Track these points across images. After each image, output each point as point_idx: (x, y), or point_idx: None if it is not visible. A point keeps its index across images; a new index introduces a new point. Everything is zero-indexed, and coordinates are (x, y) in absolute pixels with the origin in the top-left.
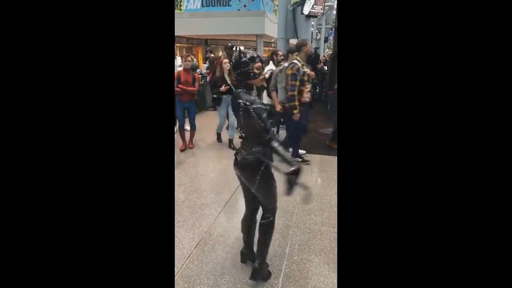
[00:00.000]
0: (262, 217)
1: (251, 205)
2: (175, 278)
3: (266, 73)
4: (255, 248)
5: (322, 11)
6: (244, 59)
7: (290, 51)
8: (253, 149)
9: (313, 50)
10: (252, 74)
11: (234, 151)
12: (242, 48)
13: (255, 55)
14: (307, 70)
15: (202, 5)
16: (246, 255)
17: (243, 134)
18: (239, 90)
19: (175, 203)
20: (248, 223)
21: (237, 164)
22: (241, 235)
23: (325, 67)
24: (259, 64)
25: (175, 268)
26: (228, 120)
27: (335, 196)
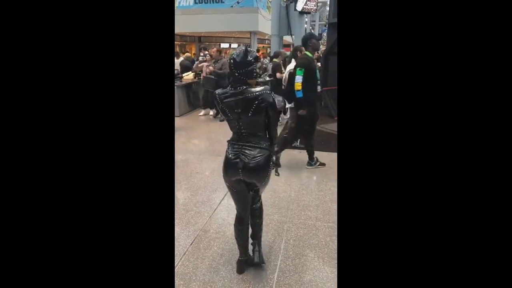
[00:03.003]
0: (255, 203)
1: (247, 205)
2: None
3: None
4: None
5: (316, 7)
6: (250, 58)
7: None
8: (264, 145)
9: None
10: (255, 74)
11: (233, 158)
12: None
13: (257, 55)
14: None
15: (195, 2)
16: (244, 261)
17: (244, 133)
18: (243, 87)
19: None
20: (246, 225)
21: (245, 169)
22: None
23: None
24: (259, 64)
25: None
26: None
27: (330, 192)
